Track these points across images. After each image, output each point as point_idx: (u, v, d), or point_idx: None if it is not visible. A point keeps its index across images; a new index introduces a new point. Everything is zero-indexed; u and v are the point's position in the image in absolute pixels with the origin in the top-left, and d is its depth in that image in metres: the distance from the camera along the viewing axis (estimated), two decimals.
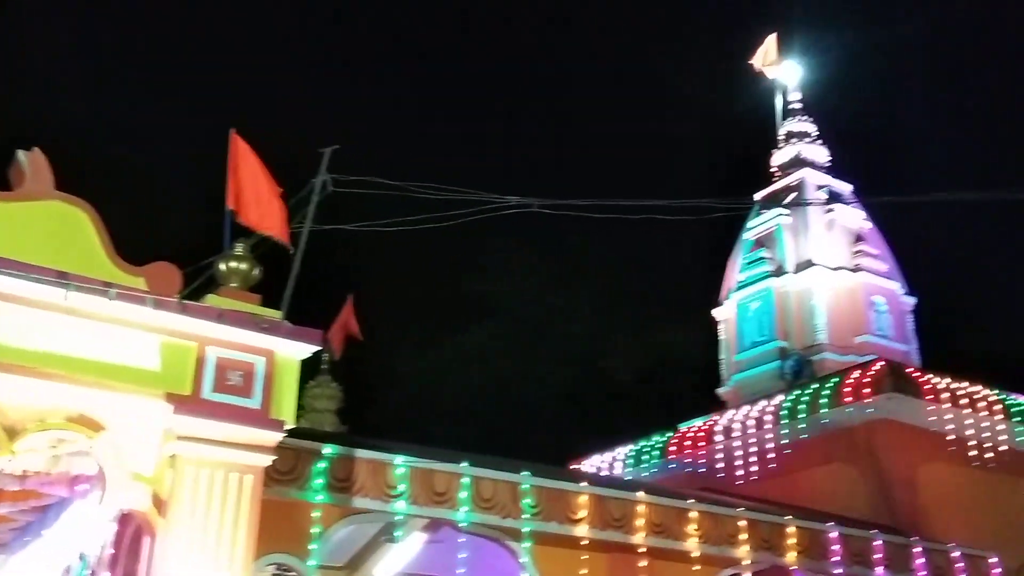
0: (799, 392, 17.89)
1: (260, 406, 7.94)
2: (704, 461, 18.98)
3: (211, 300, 8.07)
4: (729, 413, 19.16)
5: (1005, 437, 16.92)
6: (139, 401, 7.59)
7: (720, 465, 18.37)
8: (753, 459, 17.68)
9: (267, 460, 7.98)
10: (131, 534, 8.67)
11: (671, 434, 20.25)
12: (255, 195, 8.57)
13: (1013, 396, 17.81)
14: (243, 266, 8.37)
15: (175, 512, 7.39)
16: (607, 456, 21.26)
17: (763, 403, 18.29)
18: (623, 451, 21.05)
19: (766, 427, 17.81)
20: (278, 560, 9.51)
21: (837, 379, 17.48)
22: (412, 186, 9.90)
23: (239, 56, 47.99)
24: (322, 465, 9.75)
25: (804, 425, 17.11)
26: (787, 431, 17.37)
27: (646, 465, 20.23)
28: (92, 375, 7.36)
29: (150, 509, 7.58)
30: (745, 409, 18.66)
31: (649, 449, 20.40)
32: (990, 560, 14.86)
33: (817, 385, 17.76)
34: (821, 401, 17.20)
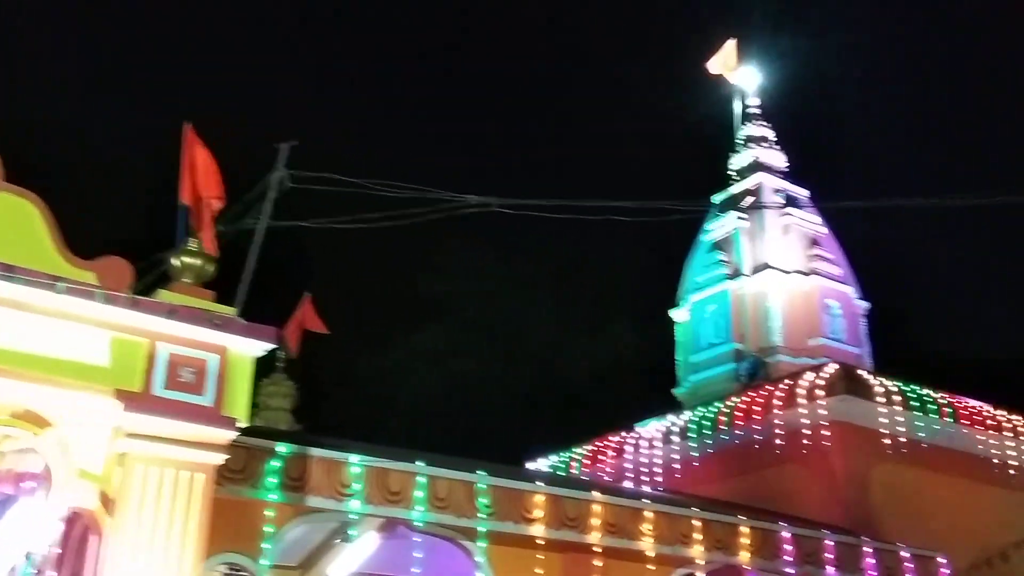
0: (753, 394, 18.09)
1: (212, 404, 7.85)
2: (660, 462, 19.11)
3: (163, 296, 7.96)
4: (685, 414, 19.31)
5: (955, 440, 17.24)
6: (87, 397, 7.46)
7: (676, 466, 18.51)
8: (708, 460, 17.84)
9: (219, 458, 7.88)
10: (78, 533, 8.51)
11: (627, 434, 20.35)
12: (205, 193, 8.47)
13: (968, 400, 18.16)
14: (196, 261, 8.28)
15: (123, 511, 7.28)
16: (563, 456, 21.32)
17: (718, 404, 18.46)
18: (579, 451, 21.12)
19: (721, 428, 17.98)
20: (230, 560, 9.38)
21: (790, 381, 17.70)
22: (371, 183, 9.85)
23: (195, 48, 47.37)
24: (276, 464, 9.63)
25: (758, 427, 17.30)
26: (741, 432, 17.55)
27: (603, 465, 20.32)
28: (39, 370, 7.23)
29: (98, 508, 7.46)
30: (700, 410, 18.82)
31: (606, 449, 20.49)
32: (939, 560, 15.12)
33: (771, 387, 17.97)
34: (774, 403, 17.40)
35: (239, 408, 8.04)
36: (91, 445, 7.50)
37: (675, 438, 18.97)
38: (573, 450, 21.31)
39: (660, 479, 18.58)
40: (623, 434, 20.47)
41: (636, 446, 19.86)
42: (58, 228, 7.74)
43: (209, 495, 7.71)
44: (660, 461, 19.11)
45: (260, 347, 8.22)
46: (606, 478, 19.70)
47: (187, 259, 8.26)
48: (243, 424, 8.11)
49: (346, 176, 9.60)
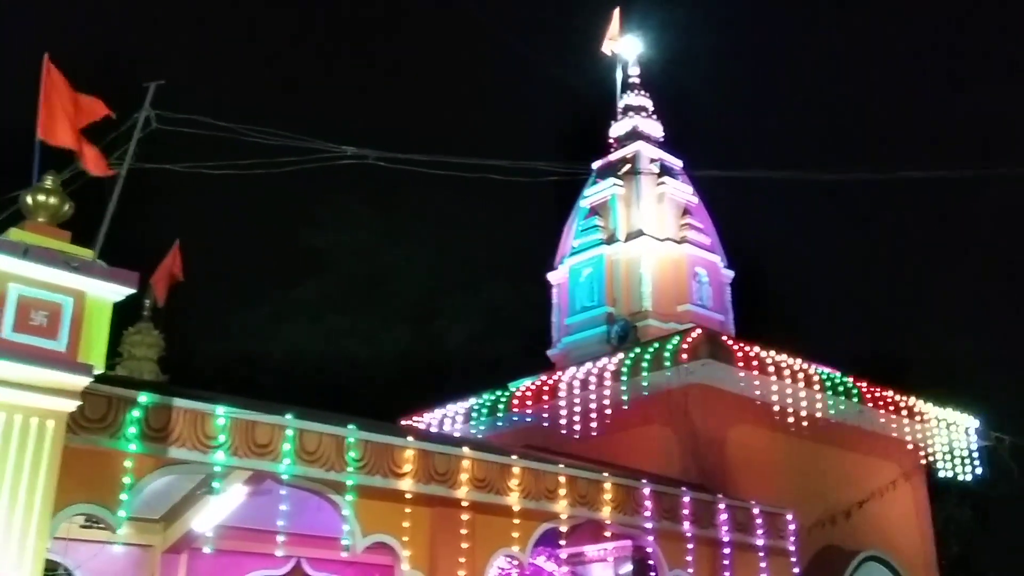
0: (622, 356, 18.59)
1: (66, 349, 7.53)
2: (531, 420, 19.46)
3: (14, 234, 7.56)
4: (557, 374, 19.70)
5: (807, 404, 18.19)
6: None
7: (546, 425, 18.89)
8: (577, 419, 18.28)
9: (71, 405, 7.59)
10: None
11: (501, 393, 20.63)
12: (71, 122, 8.05)
13: (817, 366, 19.15)
14: (52, 200, 7.89)
15: None
16: (437, 413, 21.46)
17: (589, 365, 18.90)
18: (453, 409, 21.29)
19: (590, 389, 18.43)
20: (85, 510, 9.08)
21: (657, 345, 18.27)
22: (243, 128, 9.55)
23: None
24: (137, 414, 9.34)
25: (625, 388, 17.81)
26: (609, 393, 18.04)
27: (475, 422, 20.56)
28: None
29: None
30: (572, 371, 19.24)
31: (479, 407, 20.73)
32: (787, 517, 16.02)
33: (639, 350, 18.51)
34: (642, 365, 17.94)
35: (96, 354, 7.75)
36: None
37: (546, 397, 19.34)
38: (447, 408, 21.45)
39: (530, 438, 18.92)
40: (497, 393, 20.73)
41: (508, 405, 20.15)
42: None
43: (60, 443, 7.42)
44: (531, 420, 19.45)
45: (120, 292, 7.91)
46: (478, 436, 19.94)
47: (42, 197, 7.86)
48: (99, 371, 7.82)
49: (216, 120, 9.29)
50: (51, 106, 8.11)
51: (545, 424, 18.84)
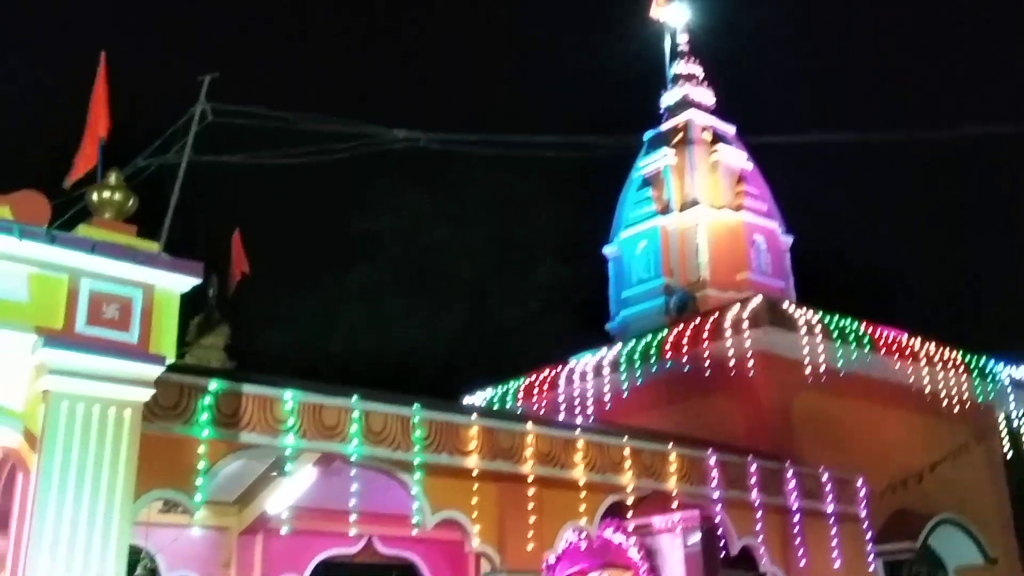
0: (682, 327, 18.48)
1: (137, 340, 7.73)
2: (593, 394, 19.48)
3: (83, 231, 7.77)
4: (617, 347, 19.67)
5: (873, 368, 17.89)
6: (7, 335, 7.30)
7: (608, 397, 18.90)
8: (639, 391, 18.25)
9: (146, 395, 7.80)
10: (6, 472, 8.40)
11: (561, 368, 20.67)
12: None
13: (883, 329, 18.82)
14: (117, 196, 8.07)
15: (49, 447, 7.19)
16: (498, 389, 21.60)
17: (648, 337, 18.83)
18: (514, 385, 21.40)
19: (651, 360, 18.37)
20: (164, 495, 9.36)
21: (717, 314, 18.12)
22: (296, 117, 9.67)
23: None
24: (208, 400, 9.57)
25: (686, 359, 17.71)
26: (670, 364, 17.96)
27: (537, 397, 20.65)
28: None
29: (22, 445, 7.36)
30: (632, 343, 19.19)
31: (540, 383, 20.80)
32: (857, 482, 15.82)
33: (699, 320, 18.38)
34: (702, 336, 17.81)
35: (166, 344, 7.95)
36: (13, 383, 7.36)
37: (607, 371, 19.34)
38: (508, 385, 21.58)
39: (592, 410, 18.97)
40: (557, 368, 20.79)
41: (569, 379, 20.19)
42: None
43: (137, 431, 7.64)
44: (592, 393, 19.48)
45: (186, 283, 8.09)
46: (541, 411, 20.03)
47: (107, 194, 8.05)
48: (171, 360, 8.03)
49: (269, 110, 9.41)
50: (109, 105, 8.31)
51: (607, 396, 18.84)
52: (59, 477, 7.16)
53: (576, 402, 19.72)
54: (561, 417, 18.45)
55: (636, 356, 18.73)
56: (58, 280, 7.51)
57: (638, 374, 18.45)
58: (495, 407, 20.75)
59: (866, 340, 18.04)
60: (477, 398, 21.77)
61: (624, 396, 18.44)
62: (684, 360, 17.70)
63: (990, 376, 20.01)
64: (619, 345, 19.69)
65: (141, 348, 7.75)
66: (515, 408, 20.67)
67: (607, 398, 18.84)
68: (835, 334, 17.72)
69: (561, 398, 20.21)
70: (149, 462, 8.06)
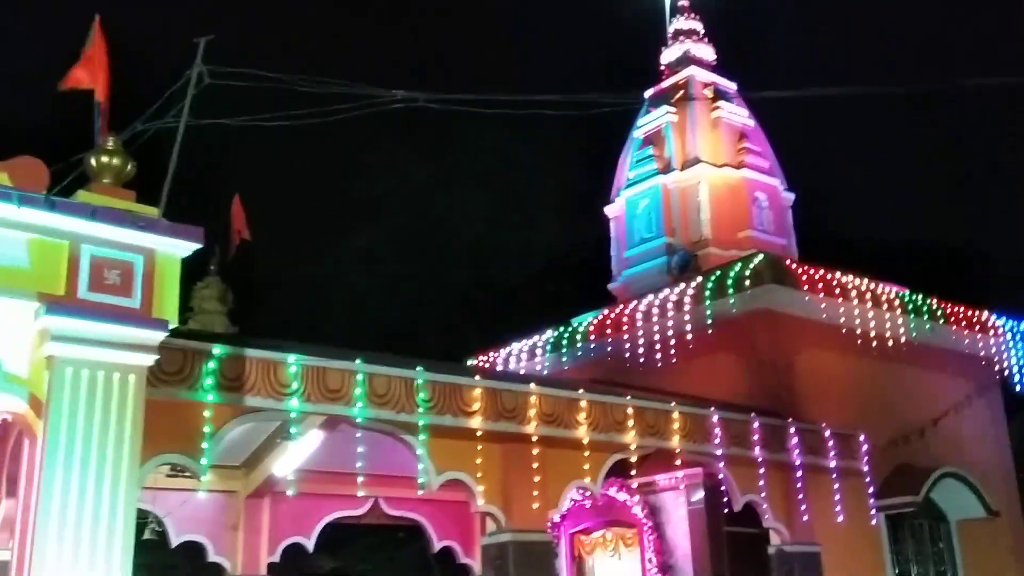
0: (684, 286, 18.47)
1: (140, 305, 7.74)
2: (595, 355, 19.53)
3: (82, 196, 7.74)
4: (619, 307, 19.67)
5: (875, 324, 17.90)
6: (9, 302, 7.31)
7: (611, 359, 18.93)
8: (642, 351, 18.29)
9: (149, 360, 7.82)
10: (13, 438, 8.44)
11: (564, 329, 20.70)
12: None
13: (885, 285, 18.80)
14: (116, 161, 8.02)
15: (55, 413, 7.22)
16: (501, 352, 21.64)
17: (651, 297, 18.82)
18: (518, 347, 21.45)
19: (654, 320, 18.38)
20: (170, 460, 9.43)
21: (720, 272, 18.09)
22: (293, 78, 9.58)
23: None
24: (212, 365, 9.60)
25: (688, 317, 17.72)
26: (672, 323, 17.97)
27: (539, 359, 20.70)
28: None
29: (27, 411, 7.39)
30: (634, 303, 19.18)
31: (543, 344, 20.85)
32: (859, 438, 15.91)
33: (701, 279, 18.35)
34: (705, 294, 17.81)
35: (168, 309, 7.94)
36: (17, 349, 7.38)
37: (609, 331, 19.36)
38: (511, 346, 21.63)
39: (595, 371, 19.03)
40: (560, 329, 20.82)
41: (572, 340, 20.23)
42: None
43: (141, 396, 7.66)
44: (595, 354, 19.52)
45: (187, 247, 8.07)
46: (544, 372, 20.10)
47: (106, 158, 8.00)
48: (173, 325, 8.03)
49: (265, 71, 9.32)
50: (105, 69, 8.22)
51: (610, 359, 18.88)
52: (65, 442, 7.20)
53: (579, 363, 19.77)
54: (564, 378, 18.51)
55: (639, 315, 18.73)
56: (59, 246, 7.49)
57: (640, 334, 18.45)
58: (498, 369, 20.80)
59: (868, 296, 18.01)
60: (480, 360, 21.82)
61: (627, 356, 18.45)
62: (687, 319, 17.70)
63: (991, 329, 20.03)
64: (621, 305, 19.67)
65: (144, 313, 7.75)
66: (518, 370, 20.72)
67: (609, 359, 18.85)
68: (836, 291, 17.69)
69: (564, 359, 20.26)
70: (155, 427, 8.09)
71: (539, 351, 20.89)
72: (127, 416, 7.51)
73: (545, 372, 20.07)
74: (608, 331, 19.41)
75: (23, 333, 7.44)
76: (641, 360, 18.19)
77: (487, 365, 21.33)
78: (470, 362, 21.41)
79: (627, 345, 18.62)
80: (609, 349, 19.08)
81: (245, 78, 9.46)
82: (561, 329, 20.76)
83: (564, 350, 20.36)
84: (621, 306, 19.67)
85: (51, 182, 7.72)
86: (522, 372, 20.03)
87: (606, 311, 20.04)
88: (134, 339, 7.66)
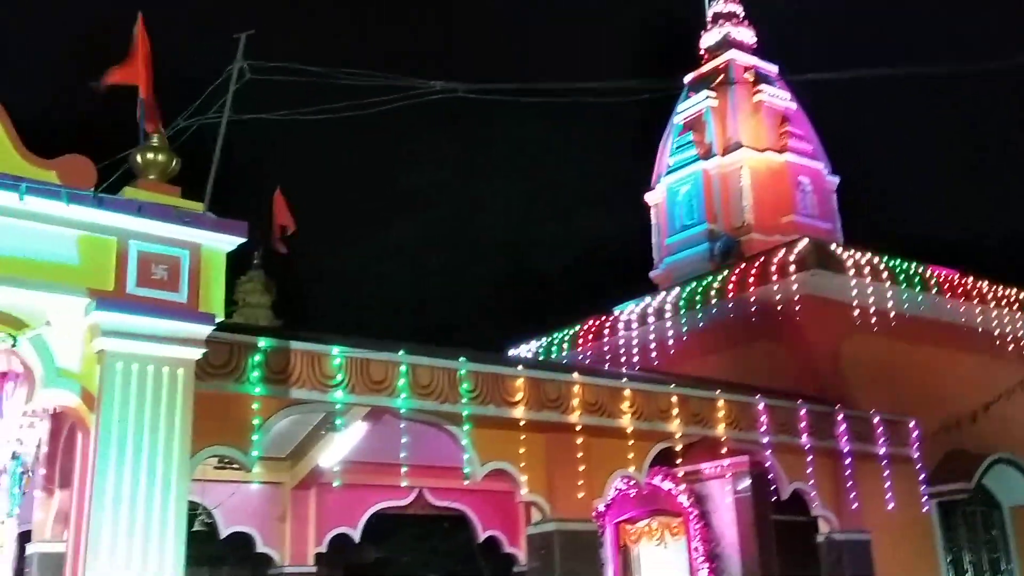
0: (728, 272, 18.28)
1: (187, 300, 7.83)
2: (638, 342, 19.42)
3: (129, 193, 7.84)
4: (661, 295, 19.53)
5: (924, 308, 17.57)
6: (61, 298, 7.44)
7: (653, 345, 18.82)
8: (685, 338, 18.14)
9: (197, 353, 7.91)
10: (66, 431, 8.60)
11: (605, 317, 20.61)
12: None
13: (934, 268, 18.45)
14: (161, 157, 8.11)
15: (106, 407, 7.35)
16: (543, 341, 21.62)
17: (693, 284, 18.66)
18: (559, 336, 21.40)
19: (696, 307, 18.23)
20: (220, 452, 9.54)
21: (763, 258, 17.87)
22: (332, 71, 9.61)
23: None
24: (258, 358, 9.69)
25: (732, 304, 17.53)
26: (716, 310, 17.80)
27: (582, 348, 20.64)
28: (8, 272, 7.16)
29: (80, 405, 7.52)
30: (676, 291, 19.04)
31: (584, 332, 20.78)
32: (909, 424, 15.64)
33: (744, 265, 18.15)
34: (748, 280, 17.61)
35: (215, 303, 8.03)
36: (69, 345, 7.51)
37: (652, 319, 19.24)
38: (552, 336, 21.59)
39: (638, 359, 18.93)
40: (602, 317, 20.73)
41: (614, 328, 20.13)
42: (15, 129, 7.55)
43: (190, 389, 7.76)
44: (637, 342, 19.41)
45: (231, 242, 8.15)
46: (586, 361, 20.03)
47: (151, 155, 8.09)
48: (220, 319, 8.12)
49: (305, 65, 9.37)
50: (148, 67, 8.30)
51: (652, 345, 18.76)
52: (117, 436, 7.32)
53: (621, 351, 19.67)
54: (607, 367, 18.43)
55: (681, 303, 18.58)
56: (107, 242, 7.60)
57: (683, 321, 18.31)
58: (540, 358, 20.78)
59: (916, 280, 17.69)
60: (522, 350, 21.81)
61: (670, 344, 18.32)
62: (730, 306, 17.51)
63: None
64: (663, 293, 19.53)
65: (191, 307, 7.84)
66: (561, 359, 20.69)
67: (652, 347, 18.74)
68: (884, 275, 17.39)
69: (606, 348, 20.18)
70: (204, 420, 8.19)
71: (580, 339, 20.79)
72: (177, 409, 7.62)
73: (587, 362, 19.99)
74: (650, 319, 19.27)
75: (74, 328, 7.57)
76: (685, 347, 18.02)
77: (529, 355, 21.25)
78: (512, 352, 21.38)
79: (670, 333, 18.48)
80: (651, 337, 18.94)
81: (286, 72, 9.52)
82: (603, 317, 20.66)
83: (606, 338, 20.27)
84: (663, 293, 19.52)
85: (98, 179, 7.82)
86: (564, 362, 19.98)
87: (648, 298, 19.91)
88: (182, 333, 7.76)
